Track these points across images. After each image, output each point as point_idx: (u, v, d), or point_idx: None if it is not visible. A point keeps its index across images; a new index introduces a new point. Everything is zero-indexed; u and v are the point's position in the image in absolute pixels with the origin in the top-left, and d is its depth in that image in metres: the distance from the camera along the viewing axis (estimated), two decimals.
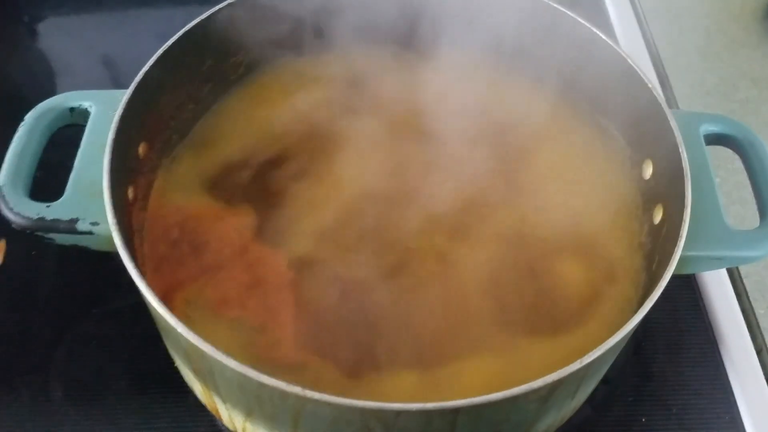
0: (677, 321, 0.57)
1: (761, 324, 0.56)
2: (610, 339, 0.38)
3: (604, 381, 0.48)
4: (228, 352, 0.35)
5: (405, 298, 0.47)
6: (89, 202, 0.44)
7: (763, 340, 0.55)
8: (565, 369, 0.36)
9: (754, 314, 0.57)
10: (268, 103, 0.56)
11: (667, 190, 0.47)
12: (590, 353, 0.37)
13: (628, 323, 0.39)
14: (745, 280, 0.58)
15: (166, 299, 0.42)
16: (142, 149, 0.49)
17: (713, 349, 0.55)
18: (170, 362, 0.48)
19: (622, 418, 0.52)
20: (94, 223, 0.44)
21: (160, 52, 0.49)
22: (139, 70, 0.47)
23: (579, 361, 0.37)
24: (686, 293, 0.58)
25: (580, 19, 0.52)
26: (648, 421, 0.52)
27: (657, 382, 0.54)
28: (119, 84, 0.60)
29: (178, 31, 0.50)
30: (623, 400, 0.53)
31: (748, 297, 0.57)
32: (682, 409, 0.52)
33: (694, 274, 0.58)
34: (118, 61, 0.75)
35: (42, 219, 0.44)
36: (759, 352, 0.55)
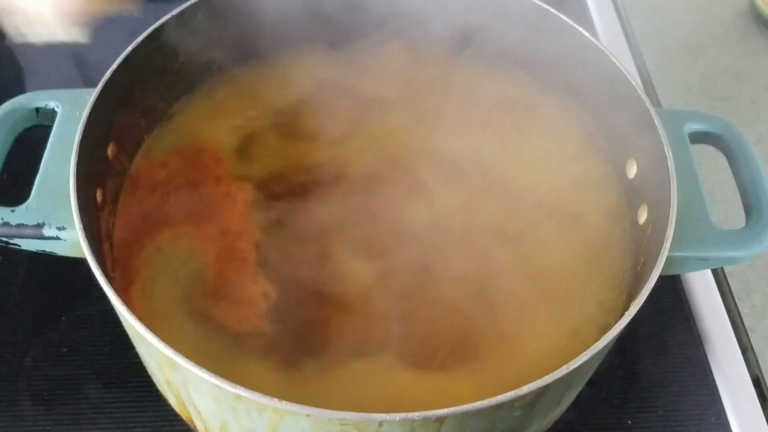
0: (662, 321, 0.56)
1: (746, 323, 0.55)
2: (597, 343, 0.37)
3: (589, 383, 0.47)
4: (202, 366, 0.34)
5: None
6: (56, 207, 0.43)
7: (749, 339, 0.55)
8: (551, 375, 0.36)
9: (739, 314, 0.56)
10: (241, 101, 0.55)
11: (651, 189, 0.46)
12: (576, 358, 0.36)
13: (615, 327, 0.38)
14: (729, 280, 0.58)
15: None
16: (110, 151, 0.48)
17: (698, 349, 0.55)
18: (144, 369, 0.47)
19: (607, 421, 0.51)
20: (60, 228, 0.42)
21: (129, 49, 0.47)
22: (109, 68, 0.46)
23: (565, 366, 0.36)
24: (671, 293, 0.57)
25: (562, 16, 0.51)
26: (634, 424, 0.51)
27: (642, 383, 0.53)
28: (89, 83, 0.58)
29: (149, 27, 0.49)
30: (608, 402, 0.52)
31: (732, 296, 0.57)
32: (668, 411, 0.52)
33: (678, 274, 0.58)
34: (87, 60, 0.73)
35: (6, 224, 0.42)
36: (744, 352, 0.54)
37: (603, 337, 0.37)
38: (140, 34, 0.48)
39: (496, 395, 0.34)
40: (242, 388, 0.33)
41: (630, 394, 0.52)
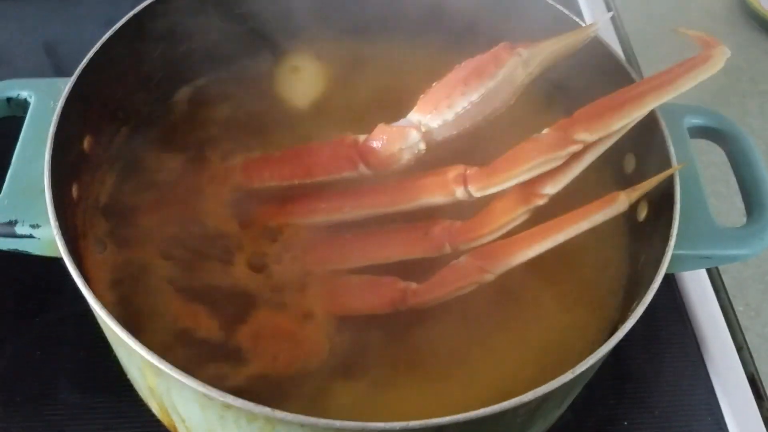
0: (656, 319, 0.55)
1: (741, 321, 0.54)
2: (603, 347, 0.36)
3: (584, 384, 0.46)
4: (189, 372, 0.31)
5: None
6: (29, 203, 0.40)
7: (743, 337, 0.54)
8: (556, 381, 0.34)
9: (734, 311, 0.55)
10: (224, 94, 0.53)
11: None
12: (582, 362, 0.35)
13: (621, 329, 0.36)
14: (723, 276, 0.57)
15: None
16: (87, 143, 0.45)
17: (693, 347, 0.54)
18: (124, 374, 0.45)
19: (603, 422, 0.50)
20: (34, 226, 0.40)
21: (105, 37, 0.45)
22: (84, 56, 0.44)
23: (571, 371, 0.35)
24: (664, 291, 0.55)
25: (549, 1, 0.50)
26: (630, 424, 0.50)
27: (637, 383, 0.52)
28: (63, 72, 0.56)
29: (126, 14, 0.47)
30: (604, 403, 0.51)
31: (727, 293, 0.56)
32: (664, 411, 0.51)
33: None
34: (61, 48, 0.71)
35: None
36: (739, 350, 0.53)
37: (610, 339, 0.36)
38: (117, 22, 0.46)
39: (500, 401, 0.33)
40: (232, 396, 0.31)
41: (625, 395, 0.51)
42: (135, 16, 0.47)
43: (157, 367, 0.32)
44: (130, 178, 0.47)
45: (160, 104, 0.52)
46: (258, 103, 0.52)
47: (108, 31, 0.45)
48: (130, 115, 0.50)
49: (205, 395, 0.32)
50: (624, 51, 0.72)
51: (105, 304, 0.35)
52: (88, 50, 0.44)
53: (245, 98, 0.52)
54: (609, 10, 0.76)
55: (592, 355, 0.35)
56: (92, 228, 0.45)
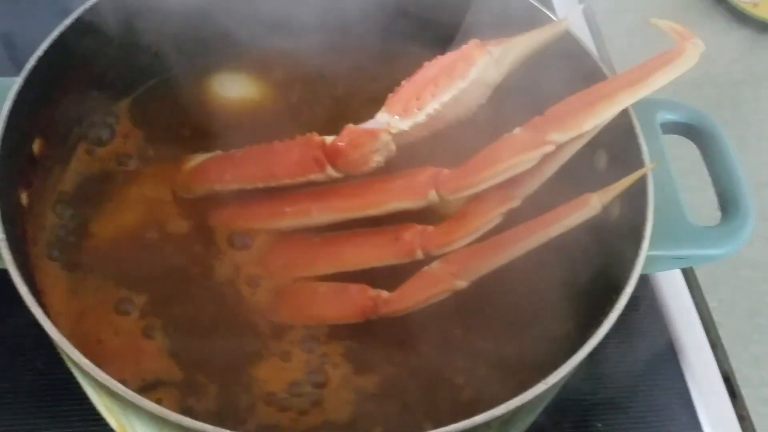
0: (628, 318, 0.54)
1: (714, 318, 0.54)
2: (576, 355, 0.35)
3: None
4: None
5: None
6: None
7: (717, 334, 0.54)
8: (529, 392, 0.33)
9: (707, 308, 0.55)
10: (179, 95, 0.51)
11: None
12: (556, 372, 0.34)
13: (595, 335, 0.35)
14: (696, 273, 0.56)
15: None
16: (37, 146, 0.43)
17: (667, 345, 0.53)
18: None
19: (578, 424, 0.49)
20: None
21: (57, 32, 0.43)
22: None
23: (543, 382, 0.34)
24: (637, 288, 0.54)
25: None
26: (605, 426, 0.49)
27: (611, 383, 0.51)
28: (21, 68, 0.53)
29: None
30: (578, 405, 0.50)
31: (700, 290, 0.55)
32: (638, 411, 0.50)
33: None
34: (18, 42, 0.67)
35: None
36: (714, 348, 0.53)
37: (583, 347, 0.35)
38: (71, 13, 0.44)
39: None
40: (189, 419, 0.30)
41: (599, 396, 0.50)
42: (90, 8, 0.44)
43: (110, 389, 0.31)
44: (85, 184, 0.45)
45: (114, 103, 0.49)
46: (216, 104, 0.50)
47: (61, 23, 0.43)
48: (82, 115, 0.47)
49: (162, 418, 0.30)
50: (595, 43, 0.71)
51: (57, 317, 0.33)
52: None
53: (202, 99, 0.50)
54: (580, 2, 0.75)
55: (565, 365, 0.34)
56: (44, 235, 0.43)
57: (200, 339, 0.41)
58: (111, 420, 0.40)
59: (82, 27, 0.44)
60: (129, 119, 0.49)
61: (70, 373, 0.42)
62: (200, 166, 0.45)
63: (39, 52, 0.42)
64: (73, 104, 0.46)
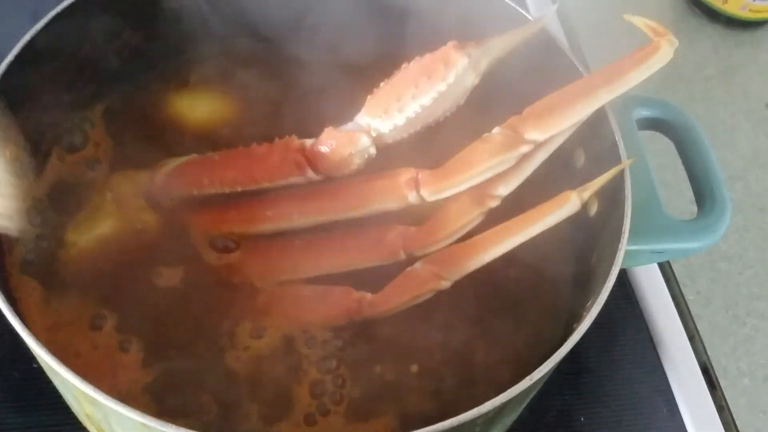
0: (607, 311, 0.54)
1: (692, 310, 0.55)
2: (559, 351, 0.35)
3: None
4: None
5: None
6: None
7: (695, 326, 0.54)
8: (513, 389, 0.33)
9: (685, 300, 0.55)
10: (159, 96, 0.50)
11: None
12: (540, 368, 0.34)
13: (577, 330, 0.36)
14: (673, 265, 0.57)
15: None
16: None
17: (646, 338, 0.54)
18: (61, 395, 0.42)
19: (560, 417, 0.50)
20: None
21: (27, 38, 0.42)
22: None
23: (528, 378, 0.34)
24: (616, 283, 0.56)
25: None
26: (587, 419, 0.50)
27: (592, 377, 0.52)
28: None
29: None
30: (560, 399, 0.50)
31: (677, 283, 0.56)
32: (619, 404, 0.51)
33: None
34: None
35: None
36: (691, 339, 0.54)
37: (566, 343, 0.35)
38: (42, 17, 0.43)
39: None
40: (174, 426, 0.29)
41: (580, 389, 0.51)
42: (60, 13, 0.44)
43: (92, 397, 0.30)
44: (59, 191, 0.45)
45: (88, 109, 0.49)
46: (190, 107, 0.50)
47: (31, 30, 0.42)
48: (56, 121, 0.47)
49: (145, 425, 0.30)
50: (569, 41, 0.71)
51: (34, 327, 0.32)
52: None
53: (176, 102, 0.50)
54: (554, 2, 0.75)
55: (549, 360, 0.34)
56: (19, 245, 0.42)
57: (178, 349, 0.40)
58: (92, 428, 0.39)
59: (53, 31, 0.43)
60: (103, 125, 0.49)
61: (48, 382, 0.42)
62: (176, 169, 0.44)
63: (10, 57, 0.41)
64: (45, 110, 0.45)
